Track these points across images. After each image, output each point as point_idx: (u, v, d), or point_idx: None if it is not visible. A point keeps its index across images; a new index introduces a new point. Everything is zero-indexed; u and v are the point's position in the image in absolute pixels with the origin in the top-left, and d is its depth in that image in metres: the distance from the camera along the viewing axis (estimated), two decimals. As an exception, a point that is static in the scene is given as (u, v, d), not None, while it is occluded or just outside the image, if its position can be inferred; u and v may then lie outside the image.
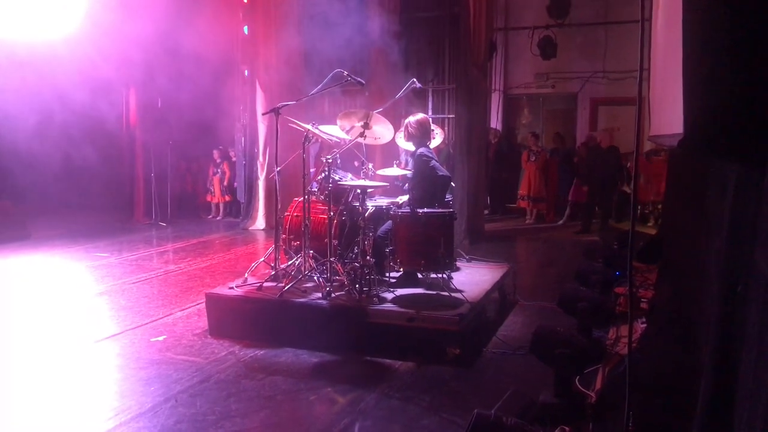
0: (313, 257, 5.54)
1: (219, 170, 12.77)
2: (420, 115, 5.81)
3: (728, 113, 2.05)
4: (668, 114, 3.61)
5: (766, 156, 2.05)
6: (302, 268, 5.50)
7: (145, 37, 11.98)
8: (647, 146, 10.94)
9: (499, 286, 6.04)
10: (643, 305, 5.46)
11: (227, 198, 12.83)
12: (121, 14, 12.01)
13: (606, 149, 10.69)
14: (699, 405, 2.52)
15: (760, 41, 1.78)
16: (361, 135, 5.49)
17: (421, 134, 5.71)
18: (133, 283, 7.20)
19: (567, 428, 3.46)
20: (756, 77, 2.02)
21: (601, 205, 10.98)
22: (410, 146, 6.00)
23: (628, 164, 11.53)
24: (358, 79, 5.59)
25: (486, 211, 12.04)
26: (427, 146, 5.78)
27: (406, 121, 5.79)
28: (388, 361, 4.72)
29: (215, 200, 12.94)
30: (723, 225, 2.47)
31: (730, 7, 1.82)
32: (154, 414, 3.87)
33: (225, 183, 12.74)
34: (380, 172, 6.21)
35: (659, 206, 10.40)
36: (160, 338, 5.28)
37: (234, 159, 12.85)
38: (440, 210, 5.36)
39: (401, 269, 5.51)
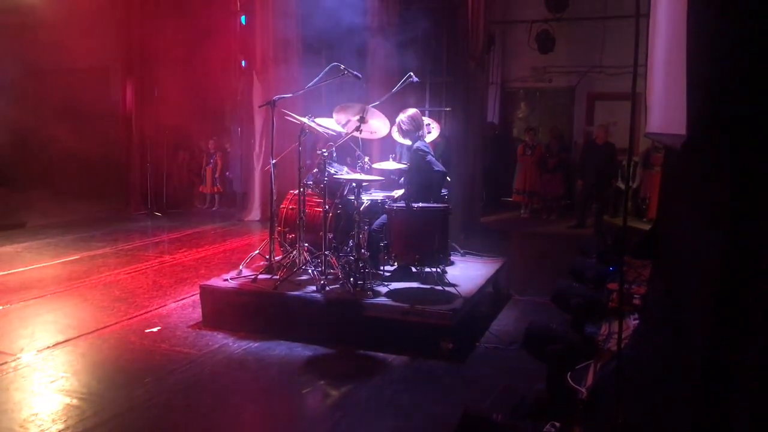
0: (308, 250, 5.55)
1: (212, 160, 12.74)
2: (411, 110, 5.80)
3: (733, 116, 2.06)
4: (668, 113, 3.61)
5: (762, 170, 2.06)
6: (297, 261, 5.51)
7: (142, 25, 11.94)
8: (646, 143, 10.95)
9: (493, 280, 6.06)
10: (636, 301, 5.48)
11: (218, 189, 12.80)
12: (118, 1, 11.97)
13: (602, 145, 10.68)
14: (691, 401, 2.54)
15: (763, 45, 1.79)
16: (357, 129, 5.49)
17: (415, 128, 5.72)
18: (128, 273, 7.20)
19: (557, 424, 3.48)
20: (760, 81, 2.03)
21: (596, 200, 10.97)
22: (407, 141, 6.00)
23: (623, 161, 11.53)
24: (355, 72, 5.58)
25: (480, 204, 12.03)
26: (423, 140, 5.79)
27: (398, 119, 5.77)
28: (381, 354, 4.74)
29: (207, 190, 12.91)
30: (723, 223, 2.49)
31: (735, 14, 1.83)
32: (147, 406, 3.89)
33: (217, 174, 12.71)
34: (376, 165, 6.21)
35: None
36: (155, 329, 5.29)
37: (230, 149, 12.81)
38: (435, 205, 5.38)
39: (396, 263, 5.52)
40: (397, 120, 5.78)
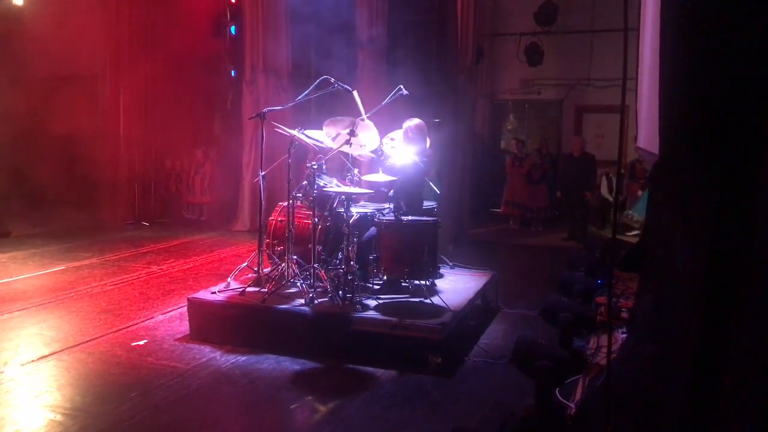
0: (297, 263, 5.53)
1: (201, 170, 12.67)
2: (417, 120, 5.77)
3: (704, 142, 2.10)
4: (650, 131, 3.65)
5: (744, 181, 2.09)
6: (285, 274, 5.49)
7: (131, 33, 11.90)
8: (631, 156, 11.02)
9: (482, 293, 6.06)
10: (625, 315, 5.49)
11: (207, 199, 12.73)
12: (107, 8, 11.93)
13: (577, 157, 10.70)
14: (680, 415, 2.55)
15: (732, 75, 1.83)
16: (347, 142, 5.49)
17: (421, 139, 5.72)
18: (115, 284, 7.14)
19: (546, 440, 3.48)
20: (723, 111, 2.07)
21: (573, 212, 11.00)
22: (397, 153, 5.99)
23: (610, 173, 11.57)
24: (345, 86, 5.59)
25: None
26: (424, 153, 5.79)
27: (406, 126, 5.74)
28: (370, 369, 4.72)
29: (196, 200, 12.84)
30: (706, 238, 2.51)
31: (706, 43, 1.86)
32: (133, 422, 3.84)
33: (206, 184, 12.64)
34: (366, 178, 6.20)
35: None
36: (141, 342, 5.24)
37: (217, 159, 12.75)
38: (425, 218, 5.38)
39: (385, 276, 5.51)
40: (405, 126, 5.74)
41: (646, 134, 4.20)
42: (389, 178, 6.00)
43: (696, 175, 2.61)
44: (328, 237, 5.68)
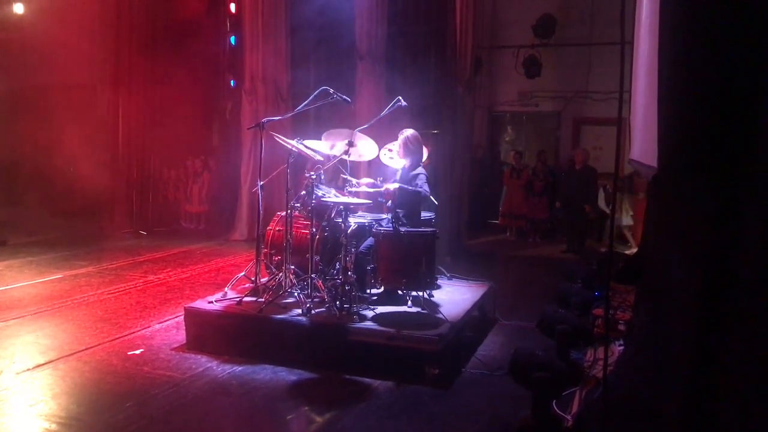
0: (294, 273, 5.53)
1: (199, 180, 12.68)
2: (412, 130, 5.81)
3: (700, 156, 2.12)
4: (645, 144, 3.66)
5: (740, 193, 2.11)
6: (283, 284, 5.48)
7: (131, 43, 11.94)
8: (629, 169, 11.05)
9: (479, 305, 6.05)
10: (621, 327, 5.49)
11: (205, 208, 12.73)
12: (107, 17, 11.98)
13: (579, 169, 10.70)
14: (677, 427, 2.55)
15: (730, 89, 1.85)
16: (346, 153, 5.50)
17: (419, 149, 5.74)
18: (112, 293, 7.12)
19: (543, 452, 3.47)
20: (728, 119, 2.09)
21: (572, 224, 11.01)
22: (395, 163, 6.01)
23: (607, 185, 11.58)
24: (344, 97, 5.60)
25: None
26: (423, 164, 5.82)
27: (404, 136, 5.74)
28: (366, 380, 4.70)
29: (194, 210, 12.84)
30: (702, 249, 2.52)
31: (706, 59, 1.88)
32: (129, 431, 3.82)
33: (204, 193, 12.65)
34: (363, 181, 6.19)
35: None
36: (137, 351, 5.22)
37: (215, 168, 12.78)
38: (423, 229, 5.38)
39: (382, 287, 5.51)
40: (404, 137, 5.74)
41: (640, 146, 4.22)
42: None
43: (692, 187, 2.62)
44: (325, 247, 5.68)
